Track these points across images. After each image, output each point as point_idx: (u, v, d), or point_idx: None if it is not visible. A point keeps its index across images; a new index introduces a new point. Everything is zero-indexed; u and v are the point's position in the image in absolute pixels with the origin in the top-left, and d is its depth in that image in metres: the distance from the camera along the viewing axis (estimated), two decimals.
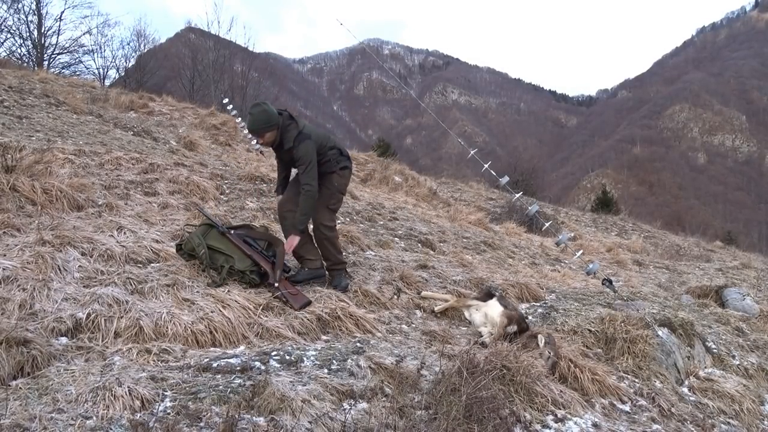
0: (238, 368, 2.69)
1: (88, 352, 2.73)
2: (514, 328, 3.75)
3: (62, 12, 25.32)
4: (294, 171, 4.22)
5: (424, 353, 3.32)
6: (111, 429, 2.09)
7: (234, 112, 11.97)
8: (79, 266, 3.51)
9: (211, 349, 3.02)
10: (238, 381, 2.55)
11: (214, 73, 26.68)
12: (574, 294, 5.26)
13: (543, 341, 3.45)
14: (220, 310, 3.29)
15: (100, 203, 4.80)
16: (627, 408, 3.33)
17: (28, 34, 22.98)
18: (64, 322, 2.87)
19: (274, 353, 2.91)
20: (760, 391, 4.17)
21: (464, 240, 7.41)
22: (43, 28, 23.07)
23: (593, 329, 4.11)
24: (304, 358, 2.90)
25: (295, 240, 3.97)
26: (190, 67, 27.81)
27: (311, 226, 4.17)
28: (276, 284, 3.73)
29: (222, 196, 6.17)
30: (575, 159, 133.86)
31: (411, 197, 10.87)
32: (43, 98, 9.23)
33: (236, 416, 2.17)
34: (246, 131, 11.63)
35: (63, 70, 23.08)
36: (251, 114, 3.90)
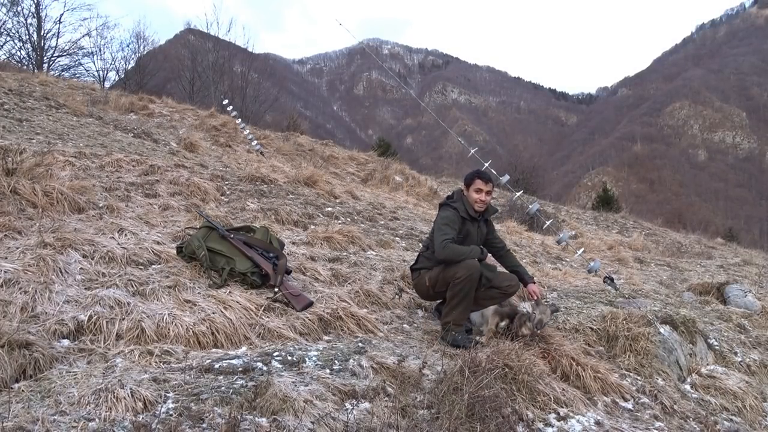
0: (240, 369, 2.69)
1: (90, 354, 2.73)
2: (505, 323, 3.80)
3: (61, 14, 25.46)
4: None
5: (426, 353, 3.32)
6: (114, 431, 2.09)
7: (234, 113, 11.96)
8: (81, 268, 3.52)
9: (213, 350, 3.02)
10: (240, 382, 2.55)
11: (214, 75, 26.70)
12: (576, 292, 5.26)
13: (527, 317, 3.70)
14: (222, 312, 3.29)
15: (100, 205, 4.80)
16: (629, 406, 3.33)
17: (27, 36, 23.05)
18: (66, 324, 2.87)
19: (276, 354, 2.91)
20: (762, 388, 4.17)
21: None
22: (42, 31, 23.12)
23: (595, 327, 4.11)
24: (306, 359, 2.90)
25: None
26: (190, 69, 27.83)
27: None
28: (277, 288, 3.73)
29: (223, 198, 6.17)
30: (576, 157, 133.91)
31: (412, 197, 10.86)
32: (43, 101, 9.24)
33: (238, 417, 2.17)
34: (246, 132, 11.68)
35: (63, 73, 23.16)
36: None
